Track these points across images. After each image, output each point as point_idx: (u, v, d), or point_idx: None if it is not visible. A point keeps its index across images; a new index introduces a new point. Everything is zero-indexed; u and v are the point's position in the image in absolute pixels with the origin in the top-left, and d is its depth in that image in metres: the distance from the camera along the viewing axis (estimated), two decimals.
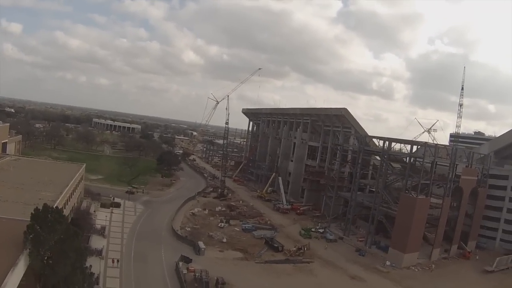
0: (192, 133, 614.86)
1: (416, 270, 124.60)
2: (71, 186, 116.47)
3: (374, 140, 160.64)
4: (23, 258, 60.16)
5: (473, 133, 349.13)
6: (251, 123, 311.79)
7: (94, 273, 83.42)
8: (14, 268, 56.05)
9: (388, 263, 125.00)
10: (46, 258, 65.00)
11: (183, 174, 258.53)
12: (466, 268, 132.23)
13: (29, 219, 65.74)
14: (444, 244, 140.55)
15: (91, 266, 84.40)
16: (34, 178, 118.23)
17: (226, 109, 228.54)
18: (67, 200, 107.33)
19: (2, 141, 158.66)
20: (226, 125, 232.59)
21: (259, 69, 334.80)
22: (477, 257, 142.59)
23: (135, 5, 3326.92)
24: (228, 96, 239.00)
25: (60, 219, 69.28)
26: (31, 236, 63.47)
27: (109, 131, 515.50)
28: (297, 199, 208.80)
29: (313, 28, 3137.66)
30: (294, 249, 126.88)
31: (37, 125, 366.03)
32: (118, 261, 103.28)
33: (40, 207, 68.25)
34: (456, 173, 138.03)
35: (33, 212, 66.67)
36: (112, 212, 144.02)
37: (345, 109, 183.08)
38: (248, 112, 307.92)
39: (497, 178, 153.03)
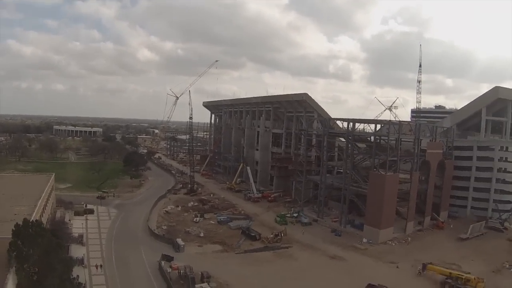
0: (154, 131, 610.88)
1: (393, 244, 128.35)
2: (44, 198, 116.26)
3: (338, 122, 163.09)
4: (11, 276, 59.78)
5: (434, 107, 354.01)
6: (213, 115, 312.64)
7: (81, 283, 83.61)
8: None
9: (365, 240, 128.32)
10: (32, 273, 64.83)
11: (151, 174, 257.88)
12: (442, 237, 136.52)
13: (9, 236, 65.48)
14: (417, 217, 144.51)
15: (78, 276, 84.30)
16: (5, 193, 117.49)
17: (189, 104, 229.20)
18: (42, 212, 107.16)
19: None
20: (190, 120, 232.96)
21: (216, 61, 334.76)
22: (451, 226, 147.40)
23: (86, 6, 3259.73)
24: (189, 91, 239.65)
25: (42, 232, 69.76)
26: (14, 253, 63.35)
27: (71, 137, 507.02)
28: (266, 187, 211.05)
29: (266, 17, 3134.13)
30: (272, 236, 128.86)
31: None
32: (101, 266, 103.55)
33: (20, 223, 68.26)
34: (421, 148, 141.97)
35: (13, 228, 66.53)
36: (87, 219, 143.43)
37: (305, 94, 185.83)
38: (209, 105, 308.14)
39: (462, 150, 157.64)
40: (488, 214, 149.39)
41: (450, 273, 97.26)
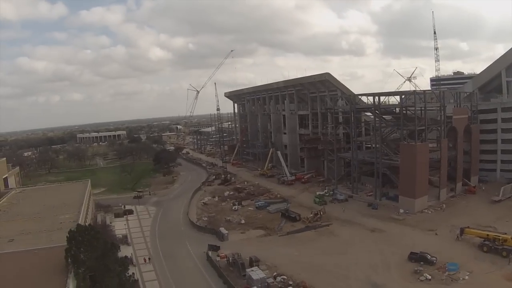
0: (177, 127, 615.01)
1: (429, 212, 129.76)
2: (85, 204, 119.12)
3: (362, 98, 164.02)
4: (71, 282, 61.87)
5: (452, 74, 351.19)
6: (235, 105, 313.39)
7: (137, 280, 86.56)
8: None
9: (401, 211, 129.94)
10: (90, 276, 67.20)
11: (182, 169, 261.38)
12: (475, 201, 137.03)
13: (63, 244, 67.76)
14: (448, 184, 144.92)
15: (133, 273, 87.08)
16: (46, 205, 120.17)
17: (216, 95, 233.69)
18: (85, 218, 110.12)
19: (3, 176, 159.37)
20: (218, 111, 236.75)
21: (232, 51, 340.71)
22: (483, 188, 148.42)
23: (91, 15, 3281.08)
24: (215, 83, 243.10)
25: (97, 236, 72.03)
26: (71, 258, 65.67)
27: (96, 144, 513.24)
28: (298, 169, 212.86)
29: (270, 1, 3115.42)
30: (311, 215, 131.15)
31: (25, 154, 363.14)
32: (149, 259, 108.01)
33: (72, 229, 70.60)
34: (447, 115, 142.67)
35: (68, 235, 68.91)
36: (127, 220, 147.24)
37: (328, 74, 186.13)
38: (231, 95, 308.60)
39: (487, 113, 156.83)
40: None
41: (488, 234, 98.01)
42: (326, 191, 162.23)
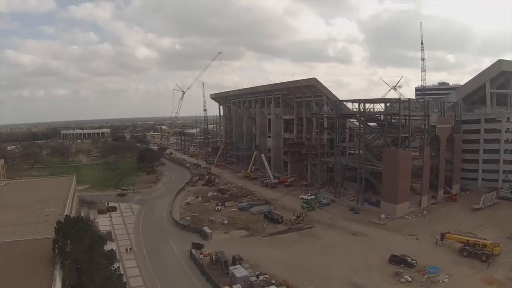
0: (161, 128, 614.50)
1: (410, 218, 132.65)
2: (70, 198, 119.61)
3: (348, 104, 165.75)
4: (57, 272, 61.73)
5: (437, 85, 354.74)
6: (221, 107, 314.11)
7: (122, 274, 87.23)
8: (54, 284, 57.94)
9: (383, 216, 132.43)
10: (77, 268, 67.20)
11: (166, 169, 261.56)
12: (456, 209, 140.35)
13: (50, 236, 67.90)
14: (430, 192, 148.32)
15: (119, 267, 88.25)
16: (31, 198, 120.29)
17: (203, 96, 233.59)
18: (70, 212, 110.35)
19: None
20: (205, 111, 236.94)
21: (220, 53, 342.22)
22: (467, 193, 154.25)
23: (81, 10, 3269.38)
24: (203, 83, 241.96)
25: (85, 227, 72.41)
26: (58, 250, 65.82)
27: (79, 140, 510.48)
28: (281, 173, 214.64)
29: (261, 5, 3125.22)
30: (294, 217, 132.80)
31: (9, 148, 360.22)
32: (131, 249, 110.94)
33: (61, 220, 70.81)
34: (431, 124, 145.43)
35: (56, 226, 69.12)
36: (111, 217, 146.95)
37: (314, 79, 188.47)
38: (217, 97, 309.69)
39: (470, 123, 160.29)
40: (499, 185, 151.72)
41: (467, 240, 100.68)
42: (314, 196, 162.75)
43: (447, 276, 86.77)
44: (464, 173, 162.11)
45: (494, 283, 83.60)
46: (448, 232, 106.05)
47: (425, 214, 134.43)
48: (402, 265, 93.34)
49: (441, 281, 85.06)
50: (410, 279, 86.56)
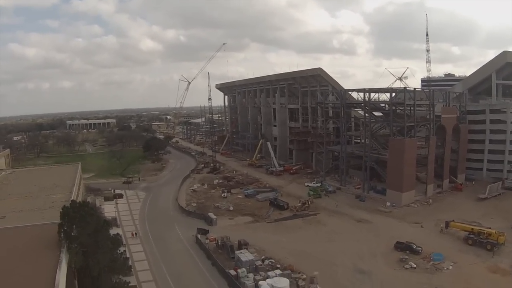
0: (166, 118, 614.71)
1: (416, 206, 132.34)
2: (77, 185, 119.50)
3: (353, 93, 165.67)
4: (64, 256, 61.69)
5: (443, 76, 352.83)
6: (226, 97, 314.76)
7: (128, 258, 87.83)
8: (60, 266, 57.61)
9: (388, 203, 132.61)
10: (83, 251, 67.26)
11: (171, 157, 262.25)
12: (461, 198, 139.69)
13: (56, 221, 67.80)
14: (436, 181, 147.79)
15: (125, 251, 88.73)
16: (37, 185, 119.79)
17: (208, 85, 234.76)
18: (77, 198, 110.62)
19: None
20: (210, 100, 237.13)
21: (224, 44, 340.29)
22: (473, 183, 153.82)
23: (84, 4, 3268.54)
24: (208, 73, 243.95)
25: (91, 212, 72.64)
26: (64, 234, 65.92)
27: (85, 130, 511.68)
28: (286, 161, 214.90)
29: None
30: (299, 204, 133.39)
31: (15, 138, 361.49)
32: (136, 234, 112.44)
33: (66, 205, 71.00)
34: (436, 114, 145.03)
35: (61, 210, 69.37)
36: (117, 203, 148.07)
37: (320, 69, 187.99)
38: (222, 87, 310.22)
39: (475, 114, 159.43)
40: (504, 175, 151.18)
41: (472, 228, 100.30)
42: (319, 184, 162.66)
43: (452, 264, 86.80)
44: (469, 163, 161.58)
45: (499, 272, 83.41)
46: (453, 221, 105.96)
47: (430, 203, 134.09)
48: (407, 251, 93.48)
49: (445, 268, 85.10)
50: (415, 266, 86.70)
